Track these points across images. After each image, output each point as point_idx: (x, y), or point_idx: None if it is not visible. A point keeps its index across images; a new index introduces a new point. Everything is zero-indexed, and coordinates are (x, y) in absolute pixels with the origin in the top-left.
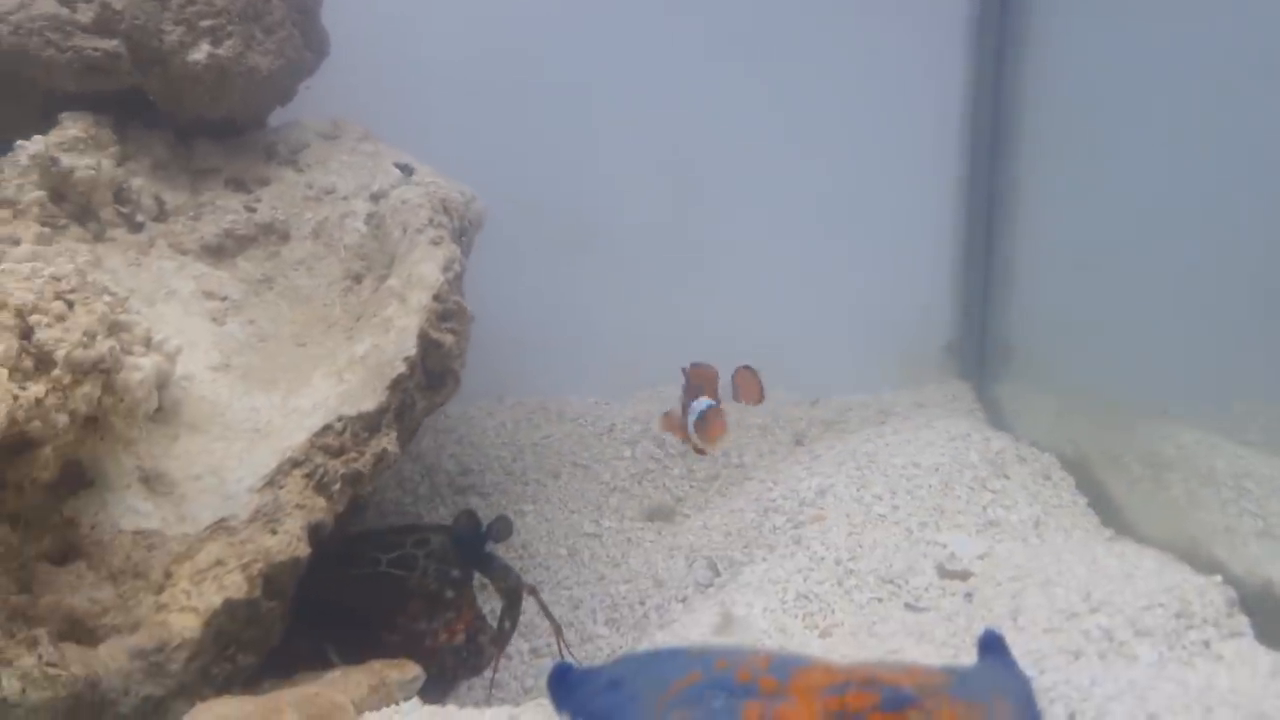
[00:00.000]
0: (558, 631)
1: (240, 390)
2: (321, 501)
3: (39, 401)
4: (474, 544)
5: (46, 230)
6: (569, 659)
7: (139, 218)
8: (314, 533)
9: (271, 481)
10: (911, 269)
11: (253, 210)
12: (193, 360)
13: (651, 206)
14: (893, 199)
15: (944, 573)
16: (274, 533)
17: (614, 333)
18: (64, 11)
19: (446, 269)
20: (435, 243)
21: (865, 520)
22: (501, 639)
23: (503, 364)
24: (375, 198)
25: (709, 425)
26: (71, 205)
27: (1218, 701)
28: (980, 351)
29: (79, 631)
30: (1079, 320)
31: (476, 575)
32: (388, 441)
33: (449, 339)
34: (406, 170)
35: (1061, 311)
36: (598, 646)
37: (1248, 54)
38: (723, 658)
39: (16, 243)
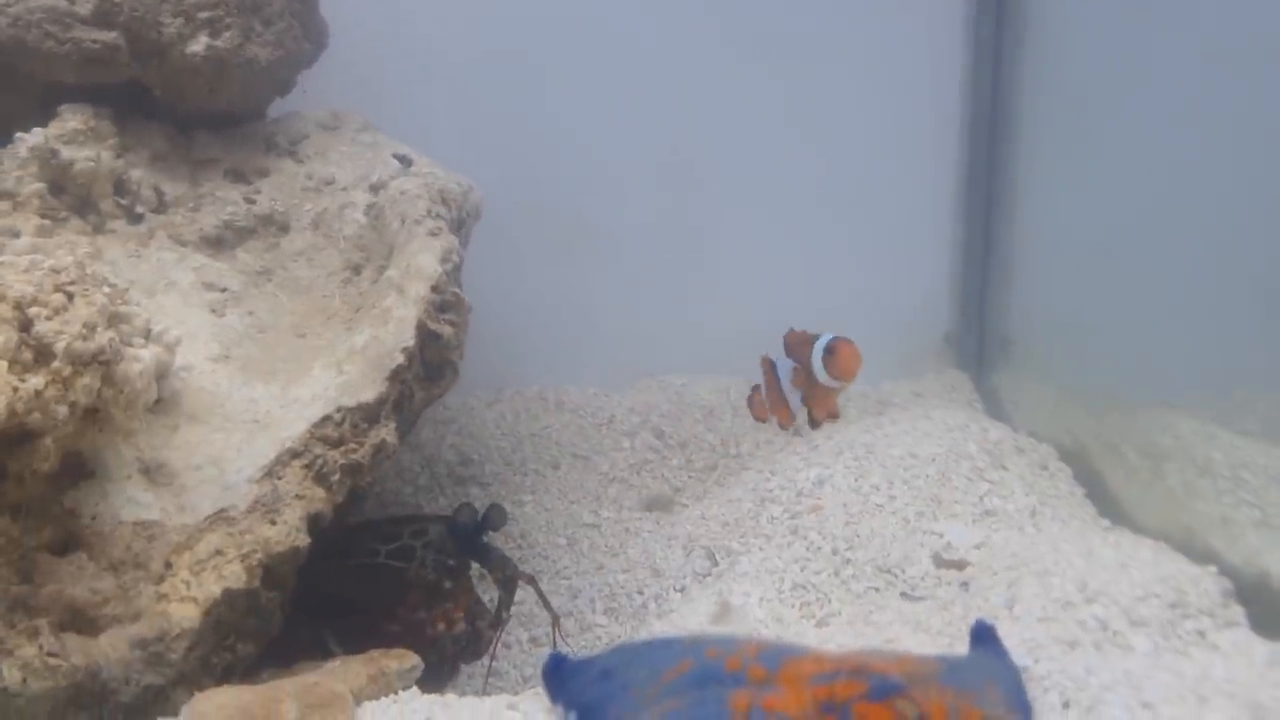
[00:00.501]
0: (555, 622)
1: (240, 381)
2: (321, 492)
3: (39, 393)
4: (472, 534)
5: (46, 222)
6: (564, 649)
7: (139, 209)
8: (313, 523)
9: (271, 472)
10: (911, 261)
11: (252, 201)
12: (192, 351)
13: (651, 198)
14: (892, 192)
15: (941, 562)
16: (273, 523)
17: (613, 324)
18: (63, 3)
19: (444, 260)
20: (433, 234)
21: (862, 510)
22: (498, 626)
23: (502, 355)
24: (374, 189)
25: (839, 358)
26: (71, 197)
27: (1212, 691)
28: (979, 342)
29: (80, 621)
30: (1077, 311)
31: (475, 565)
32: (386, 432)
33: (447, 330)
34: (405, 161)
35: (1060, 302)
36: (596, 636)
37: (1245, 49)
38: (714, 647)
39: (16, 235)
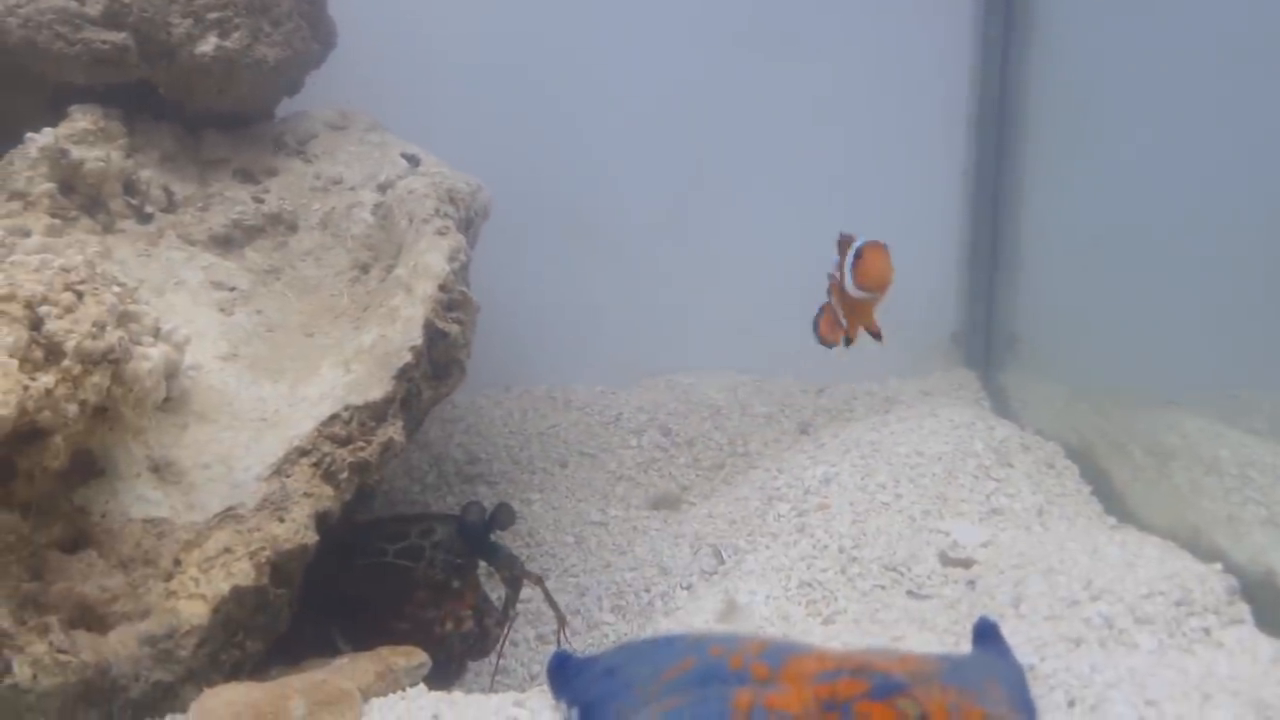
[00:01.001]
0: (560, 623)
1: (248, 380)
2: (329, 490)
3: (49, 392)
4: (479, 533)
5: (56, 222)
6: (570, 649)
7: (148, 209)
8: (321, 521)
9: (279, 470)
10: (918, 259)
11: (260, 201)
12: (201, 350)
13: (659, 196)
14: (899, 190)
15: (947, 560)
16: (281, 521)
17: (621, 322)
18: (73, 5)
19: (452, 259)
20: (441, 233)
21: (869, 508)
22: (505, 624)
23: (510, 353)
24: (382, 188)
25: (866, 264)
26: (81, 197)
27: (1217, 688)
28: (986, 340)
29: (90, 618)
30: (1085, 309)
31: (482, 563)
32: (394, 431)
33: (455, 329)
34: (413, 160)
35: (1067, 300)
36: (603, 633)
37: (1253, 45)
38: (717, 644)
39: (27, 234)
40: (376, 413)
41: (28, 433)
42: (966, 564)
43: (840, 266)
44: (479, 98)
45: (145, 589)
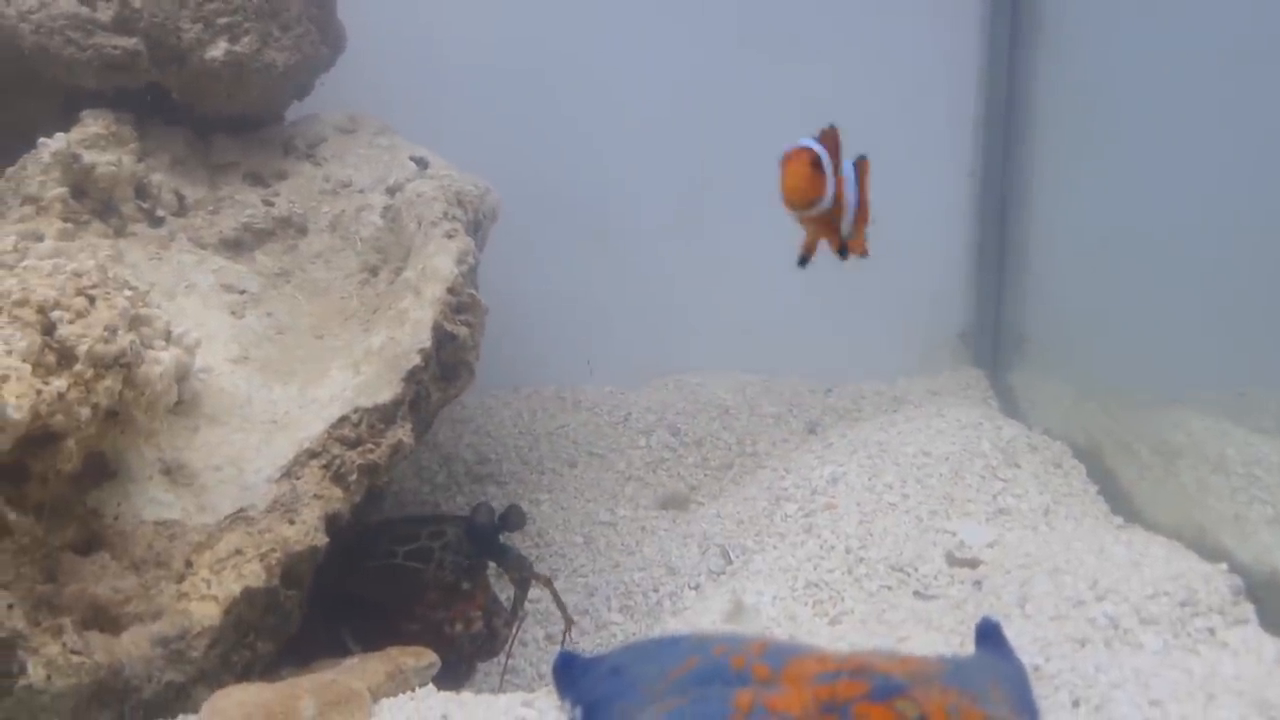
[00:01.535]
0: (568, 624)
1: (258, 382)
2: (338, 492)
3: (62, 395)
4: (489, 535)
5: (69, 226)
6: (575, 648)
7: (159, 213)
8: (331, 522)
9: (289, 472)
10: (926, 258)
11: (270, 204)
12: (212, 353)
13: (666, 197)
14: (907, 190)
15: (953, 561)
16: (292, 523)
17: (629, 323)
18: (84, 10)
19: (460, 262)
20: (449, 236)
21: (876, 509)
22: (514, 624)
23: (519, 354)
24: (391, 191)
25: (782, 175)
26: (93, 201)
27: (1221, 689)
28: (994, 340)
29: (103, 619)
30: (1092, 308)
31: (492, 564)
32: (403, 433)
33: (463, 331)
34: (422, 163)
35: (1075, 300)
36: (611, 633)
37: (1259, 46)
38: (720, 644)
39: (40, 239)
40: (386, 415)
41: (41, 436)
42: (973, 564)
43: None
44: (487, 101)
45: (157, 590)
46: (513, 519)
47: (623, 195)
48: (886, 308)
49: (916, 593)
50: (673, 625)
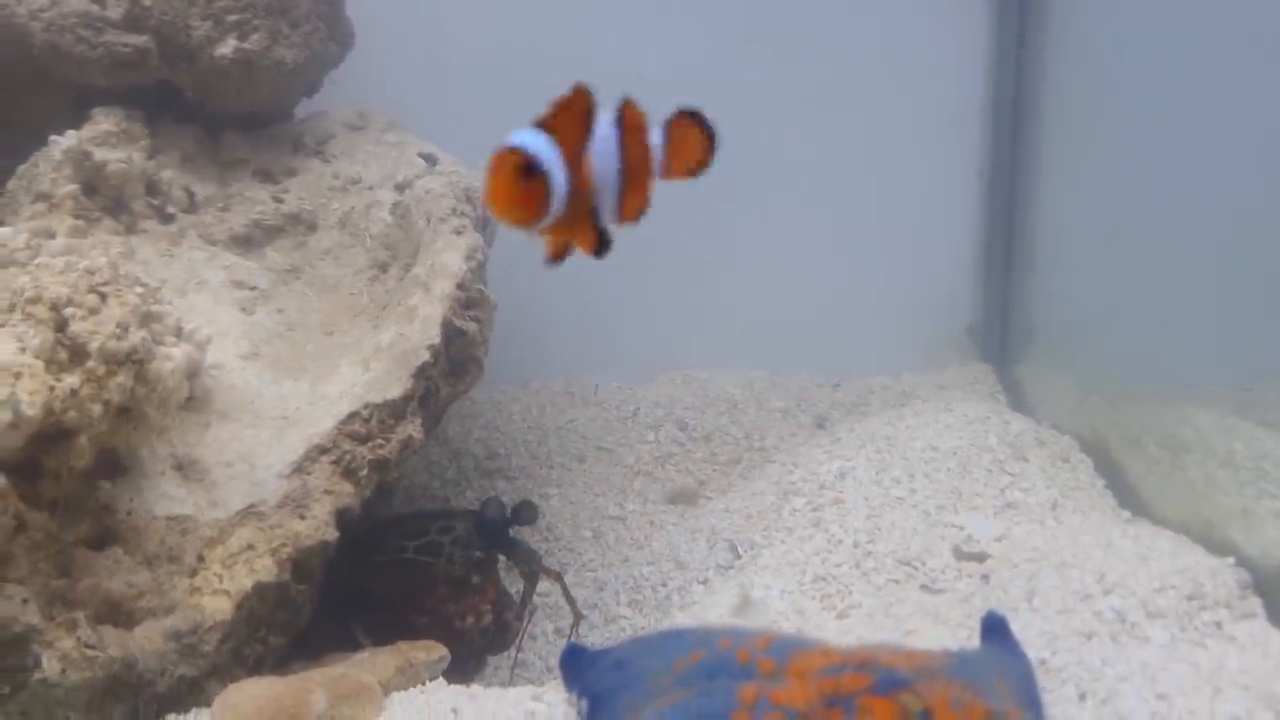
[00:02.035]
0: (577, 619)
1: (269, 378)
2: (349, 487)
3: (74, 392)
4: (499, 529)
5: (80, 223)
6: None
7: (170, 209)
8: (341, 518)
9: (300, 468)
10: (934, 251)
11: (280, 201)
12: (223, 349)
13: (674, 192)
14: (914, 184)
15: (961, 555)
16: (302, 518)
17: (637, 318)
18: (94, 8)
19: (469, 258)
20: (458, 232)
21: (884, 503)
22: (523, 617)
23: (528, 349)
24: (400, 187)
25: (488, 180)
26: (104, 198)
27: (1228, 682)
28: (1002, 334)
29: (116, 614)
30: (1100, 303)
31: (502, 558)
32: (413, 428)
33: (472, 327)
34: (430, 160)
35: (1082, 295)
36: (620, 627)
37: (1268, 42)
38: (726, 638)
39: (51, 236)
40: (395, 410)
41: (54, 433)
42: (980, 558)
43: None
44: (495, 97)
45: (170, 585)
46: (525, 514)
47: None
48: (894, 303)
49: (924, 586)
50: (681, 619)
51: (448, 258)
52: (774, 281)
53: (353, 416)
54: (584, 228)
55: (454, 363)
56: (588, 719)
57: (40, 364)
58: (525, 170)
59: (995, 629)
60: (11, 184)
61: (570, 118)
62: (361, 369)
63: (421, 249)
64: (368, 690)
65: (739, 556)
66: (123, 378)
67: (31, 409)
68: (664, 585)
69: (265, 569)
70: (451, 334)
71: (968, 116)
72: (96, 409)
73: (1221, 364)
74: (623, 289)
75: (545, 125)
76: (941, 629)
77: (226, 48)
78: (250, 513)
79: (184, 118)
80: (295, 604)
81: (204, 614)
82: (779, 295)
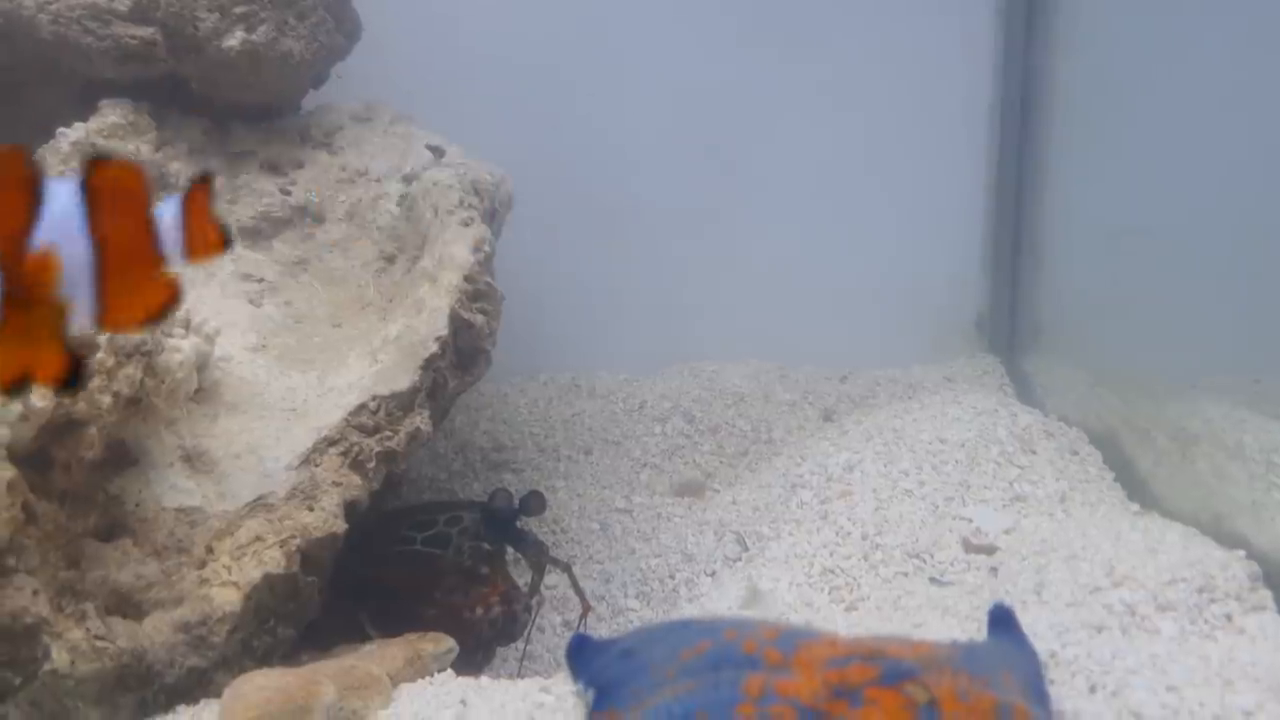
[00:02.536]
0: (585, 611)
1: (277, 371)
2: (357, 479)
3: None
4: (507, 520)
5: None
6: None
7: None
8: (350, 509)
9: (308, 460)
10: (942, 244)
11: (287, 193)
12: (231, 341)
13: (682, 184)
14: (923, 176)
15: (969, 547)
16: (311, 510)
17: (645, 310)
18: (102, 0)
19: (477, 250)
20: (466, 224)
21: (892, 495)
22: (531, 609)
23: (535, 341)
24: (407, 179)
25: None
26: None
27: (1239, 675)
28: (1010, 326)
29: (125, 605)
30: (1108, 295)
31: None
32: (421, 420)
33: (480, 319)
34: (437, 152)
35: (1091, 285)
36: (628, 619)
37: (1277, 32)
38: (732, 628)
39: None
40: (403, 403)
41: (64, 424)
42: (989, 550)
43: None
44: (502, 89)
45: (179, 576)
46: (532, 504)
47: (639, 183)
48: (902, 295)
49: (932, 579)
50: (689, 612)
51: (455, 250)
52: (782, 274)
53: (361, 409)
54: (40, 345)
55: (462, 355)
56: (593, 709)
57: None
58: None
59: (1002, 621)
60: None
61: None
62: (369, 361)
63: (429, 241)
64: (376, 682)
65: (746, 549)
66: (132, 369)
67: (41, 400)
68: (671, 578)
69: (274, 561)
70: (459, 326)
71: (976, 110)
72: (106, 400)
73: (1231, 356)
74: (630, 282)
75: None
76: (950, 621)
77: (234, 39)
78: (259, 504)
79: (191, 110)
80: (304, 596)
81: (213, 605)
82: (787, 288)
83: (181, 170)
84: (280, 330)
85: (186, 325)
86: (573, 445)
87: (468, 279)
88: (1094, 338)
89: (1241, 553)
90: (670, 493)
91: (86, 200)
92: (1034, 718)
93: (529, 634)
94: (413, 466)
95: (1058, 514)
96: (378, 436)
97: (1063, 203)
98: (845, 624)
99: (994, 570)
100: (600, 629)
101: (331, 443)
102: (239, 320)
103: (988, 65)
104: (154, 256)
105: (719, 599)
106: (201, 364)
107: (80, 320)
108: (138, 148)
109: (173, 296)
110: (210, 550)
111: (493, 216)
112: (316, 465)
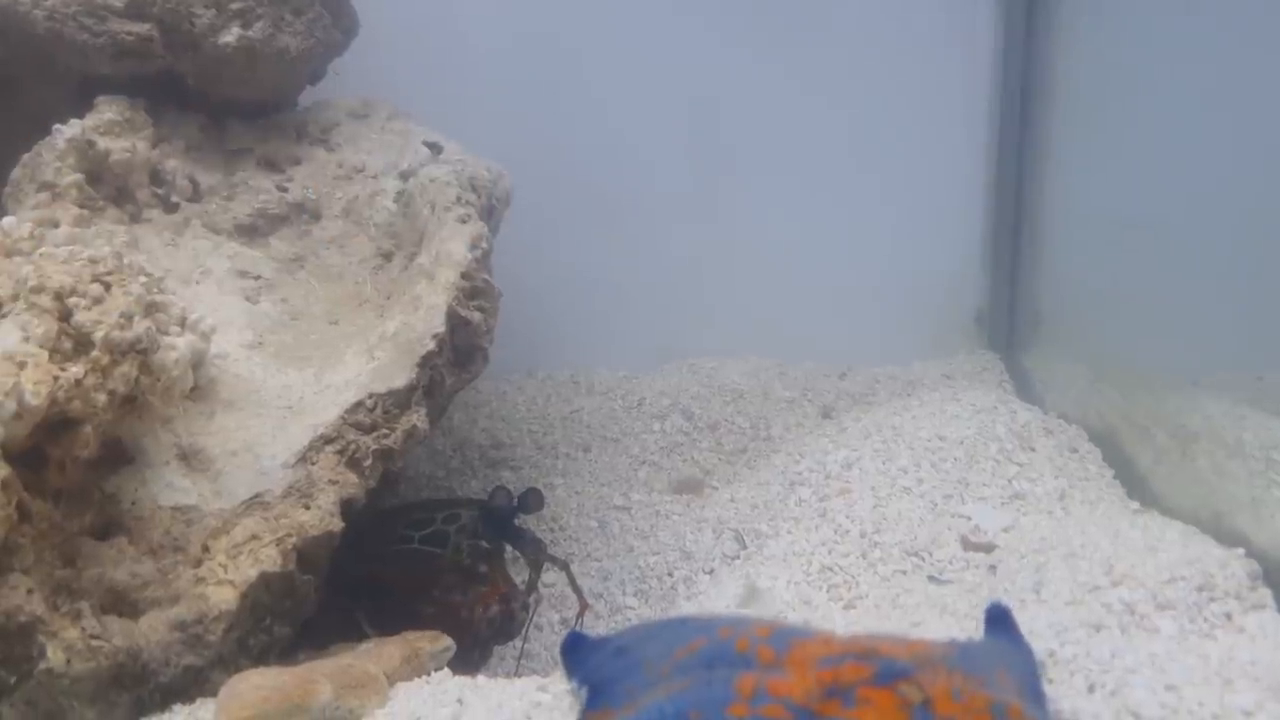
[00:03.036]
0: (582, 609)
1: (274, 368)
2: (353, 477)
3: (78, 382)
4: (505, 518)
5: (84, 212)
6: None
7: (174, 198)
8: (346, 507)
9: (304, 458)
10: (941, 240)
11: (284, 190)
12: (227, 339)
13: (681, 180)
14: (923, 170)
15: (968, 545)
16: (307, 508)
17: (643, 306)
18: None
19: (474, 247)
20: (463, 220)
21: (890, 493)
22: (529, 607)
23: (533, 338)
24: (404, 176)
25: None
26: (108, 187)
27: (1238, 674)
28: (1010, 322)
29: (121, 604)
30: (1108, 292)
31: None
32: (418, 418)
33: (477, 316)
34: (435, 148)
35: (1091, 283)
36: (626, 617)
37: None
38: (726, 626)
39: (55, 225)
40: (400, 400)
41: (59, 422)
42: (988, 548)
43: None
44: (500, 85)
45: (175, 575)
46: (531, 501)
47: (637, 179)
48: (901, 291)
49: (931, 577)
50: (687, 610)
51: (452, 246)
52: (781, 270)
53: (357, 406)
54: None
55: (459, 352)
56: (586, 707)
57: (44, 353)
58: None
59: (999, 620)
60: (15, 173)
61: None
62: (366, 358)
63: (426, 238)
64: (373, 680)
65: (745, 547)
66: (127, 367)
67: (36, 398)
68: (670, 575)
69: (270, 559)
70: (456, 323)
71: (976, 106)
72: (101, 398)
73: (1232, 353)
74: (628, 278)
75: None
76: (949, 619)
77: (230, 35)
78: (255, 503)
79: (188, 106)
80: (300, 594)
81: (209, 604)
82: (786, 284)
83: (178, 167)
84: (277, 327)
85: (182, 322)
86: (571, 442)
87: (465, 276)
88: (1094, 334)
89: (1241, 551)
90: (669, 490)
91: None
92: (1029, 717)
93: (526, 632)
94: (410, 464)
95: (1057, 512)
96: (375, 434)
97: (1063, 198)
98: (843, 622)
99: (992, 568)
100: (598, 627)
101: (328, 440)
102: (235, 317)
103: (987, 59)
104: None
105: (717, 597)
106: (197, 361)
107: None
108: (134, 144)
109: None
110: (206, 549)
111: (490, 213)
112: (313, 463)
